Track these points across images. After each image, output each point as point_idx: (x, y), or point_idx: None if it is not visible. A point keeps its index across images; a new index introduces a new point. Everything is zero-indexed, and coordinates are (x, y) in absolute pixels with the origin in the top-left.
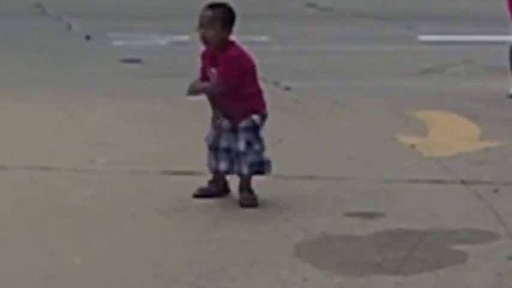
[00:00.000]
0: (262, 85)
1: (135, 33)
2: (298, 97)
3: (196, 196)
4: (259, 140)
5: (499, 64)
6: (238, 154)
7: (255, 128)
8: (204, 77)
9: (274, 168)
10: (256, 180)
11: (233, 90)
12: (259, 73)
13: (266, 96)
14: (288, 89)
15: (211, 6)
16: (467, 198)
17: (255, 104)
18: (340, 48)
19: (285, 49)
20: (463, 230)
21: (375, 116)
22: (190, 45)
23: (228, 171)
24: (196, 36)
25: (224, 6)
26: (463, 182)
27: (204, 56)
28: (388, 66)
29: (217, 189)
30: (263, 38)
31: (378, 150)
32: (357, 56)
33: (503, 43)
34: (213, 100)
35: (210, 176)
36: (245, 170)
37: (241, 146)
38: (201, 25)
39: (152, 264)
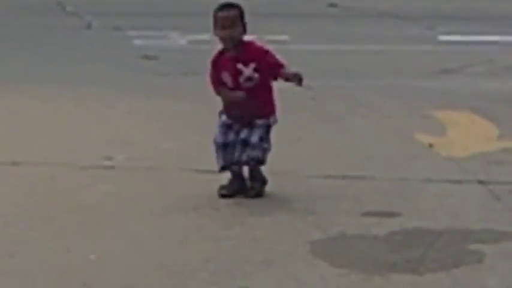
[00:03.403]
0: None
1: (155, 31)
2: (317, 96)
3: (222, 196)
4: (269, 140)
5: None
6: (247, 143)
7: (268, 128)
8: (221, 82)
9: (292, 166)
10: (272, 179)
11: (265, 83)
12: None
13: (285, 95)
14: (307, 88)
15: (229, 6)
16: (484, 199)
17: (273, 103)
18: (360, 48)
19: (305, 48)
20: (479, 230)
21: (393, 115)
22: (210, 43)
23: (240, 159)
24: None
25: (238, 5)
26: (480, 182)
27: (215, 63)
28: (408, 66)
29: (238, 186)
30: (283, 37)
31: (395, 150)
32: (376, 55)
33: None
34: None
35: (229, 175)
36: (244, 158)
37: (255, 138)
38: (224, 27)
39: (168, 261)
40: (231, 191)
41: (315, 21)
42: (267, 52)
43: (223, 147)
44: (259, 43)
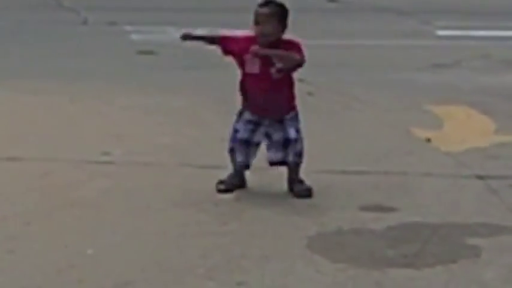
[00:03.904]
0: None
1: (152, 26)
2: (315, 91)
3: (220, 191)
4: (300, 128)
5: None
6: (289, 142)
7: (298, 118)
8: (241, 62)
9: None
10: (271, 174)
11: (289, 76)
12: None
13: None
14: (301, 80)
15: (268, 2)
16: (482, 193)
17: (294, 97)
18: (357, 42)
19: (304, 43)
20: (477, 224)
21: (390, 109)
22: None
23: (249, 166)
24: (212, 29)
25: (280, 4)
26: (477, 176)
27: (243, 40)
28: (405, 60)
29: (238, 183)
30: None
31: (393, 144)
32: (374, 49)
33: None
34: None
35: (230, 170)
36: (291, 157)
37: (292, 133)
38: (257, 22)
39: (165, 256)
40: (230, 186)
41: (313, 15)
42: (295, 45)
43: (246, 144)
44: (296, 39)
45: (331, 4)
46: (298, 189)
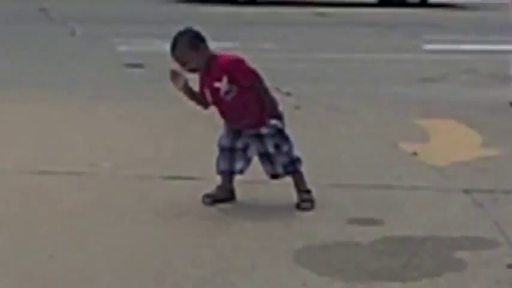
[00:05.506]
0: None
1: (139, 38)
2: (301, 104)
3: (206, 203)
4: (286, 139)
5: (501, 73)
6: (270, 155)
7: (279, 132)
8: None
9: None
10: (257, 187)
11: (245, 91)
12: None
13: None
14: (288, 94)
15: (173, 46)
16: (468, 206)
17: (264, 108)
18: (345, 56)
19: (292, 56)
20: (462, 238)
21: (377, 123)
22: None
23: (243, 171)
24: None
25: (181, 35)
26: (463, 190)
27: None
28: (392, 74)
29: (226, 195)
30: (269, 46)
31: (379, 157)
32: (361, 63)
33: (505, 52)
34: (228, 119)
35: (218, 182)
36: (279, 169)
37: (271, 149)
38: (182, 64)
39: (152, 269)
40: (217, 198)
41: (301, 29)
42: (235, 62)
43: (230, 151)
44: (229, 54)
45: (318, 18)
46: (298, 200)
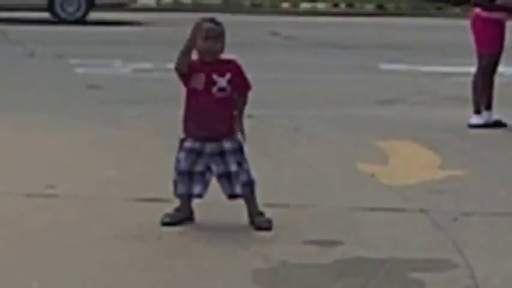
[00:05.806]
0: None
1: (98, 59)
2: (260, 125)
3: (164, 224)
4: (246, 159)
5: (460, 94)
6: (230, 175)
7: (241, 149)
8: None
9: None
10: (216, 208)
11: (233, 97)
12: None
13: None
14: (249, 116)
15: (215, 20)
16: (426, 227)
17: (236, 121)
18: (302, 77)
19: (248, 76)
20: (421, 259)
21: (335, 144)
22: (152, 72)
23: (201, 195)
24: (158, 63)
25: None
26: (422, 210)
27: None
28: (350, 95)
29: (184, 216)
30: None
31: (338, 178)
32: (319, 84)
33: (465, 74)
34: (201, 118)
35: (176, 204)
36: (238, 189)
37: (233, 167)
38: (208, 37)
39: None
40: (176, 219)
41: (257, 49)
42: (243, 68)
43: (188, 175)
44: (238, 62)
45: (275, 38)
46: (258, 221)
